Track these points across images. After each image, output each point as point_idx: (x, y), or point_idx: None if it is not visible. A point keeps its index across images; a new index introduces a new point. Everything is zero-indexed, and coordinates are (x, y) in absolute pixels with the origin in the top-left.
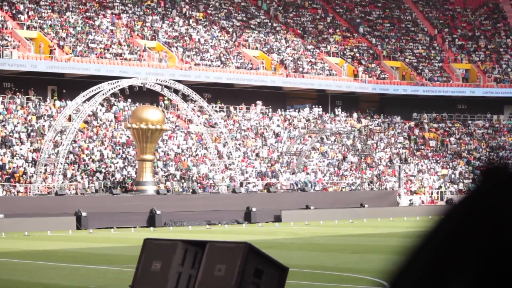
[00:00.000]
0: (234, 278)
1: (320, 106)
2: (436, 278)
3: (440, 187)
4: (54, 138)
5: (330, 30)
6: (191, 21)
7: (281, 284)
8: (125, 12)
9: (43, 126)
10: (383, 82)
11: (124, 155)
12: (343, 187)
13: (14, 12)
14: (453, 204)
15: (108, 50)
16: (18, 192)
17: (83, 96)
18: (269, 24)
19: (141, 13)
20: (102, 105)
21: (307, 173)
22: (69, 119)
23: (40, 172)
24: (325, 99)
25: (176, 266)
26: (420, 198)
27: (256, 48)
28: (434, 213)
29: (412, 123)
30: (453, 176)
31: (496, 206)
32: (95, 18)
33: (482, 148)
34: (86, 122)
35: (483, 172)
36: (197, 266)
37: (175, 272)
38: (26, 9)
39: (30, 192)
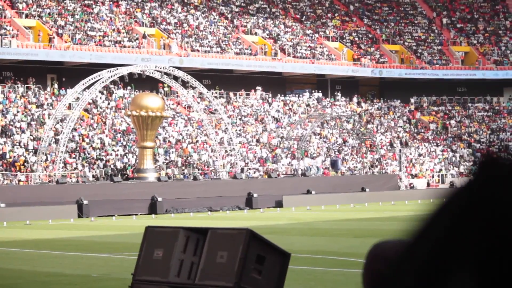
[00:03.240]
0: (236, 264)
1: (320, 91)
2: (437, 269)
3: (441, 170)
4: (54, 127)
5: (329, 15)
6: (189, 7)
7: (284, 270)
8: None
9: (43, 114)
10: (382, 66)
11: (124, 143)
12: (343, 172)
13: (12, 0)
14: (451, 195)
15: (107, 37)
16: (19, 181)
17: (83, 84)
18: (268, 9)
19: (140, 0)
20: (102, 93)
21: (313, 157)
22: (69, 107)
23: (41, 161)
24: (324, 84)
25: (178, 253)
26: (427, 181)
27: (255, 33)
28: (435, 197)
29: (412, 107)
30: (453, 159)
31: (495, 197)
32: (94, 6)
33: (483, 130)
34: (86, 110)
35: (480, 164)
36: (199, 253)
37: (177, 259)
38: None
39: (31, 181)
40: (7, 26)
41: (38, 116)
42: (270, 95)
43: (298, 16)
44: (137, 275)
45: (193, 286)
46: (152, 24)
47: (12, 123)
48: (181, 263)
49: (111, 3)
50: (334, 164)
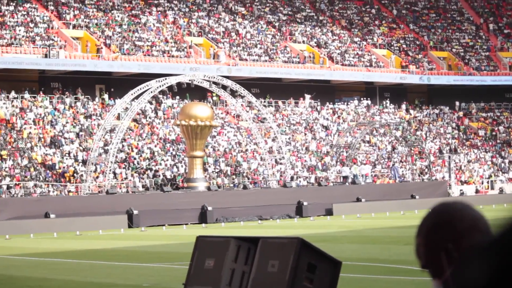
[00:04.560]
0: (288, 273)
1: (369, 98)
2: None
3: (490, 176)
4: (103, 137)
5: (376, 22)
6: (237, 16)
7: (335, 278)
8: (170, 9)
9: (92, 125)
10: (430, 73)
11: (174, 152)
12: (391, 178)
13: (60, 11)
14: None
15: (155, 47)
16: (69, 191)
17: (131, 94)
18: (315, 17)
19: (187, 9)
20: (151, 103)
21: (363, 164)
22: (118, 117)
23: (91, 171)
24: (373, 91)
25: (229, 262)
26: (476, 188)
27: (303, 41)
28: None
29: (461, 113)
30: (503, 165)
31: None
32: (141, 16)
33: None
34: (135, 120)
35: None
36: (250, 262)
37: (228, 269)
38: (72, 9)
39: (80, 191)
40: (54, 37)
41: (87, 127)
42: (319, 103)
43: (345, 24)
44: (189, 285)
45: None
46: (200, 34)
47: (61, 133)
48: (232, 273)
49: (159, 13)
50: (393, 171)
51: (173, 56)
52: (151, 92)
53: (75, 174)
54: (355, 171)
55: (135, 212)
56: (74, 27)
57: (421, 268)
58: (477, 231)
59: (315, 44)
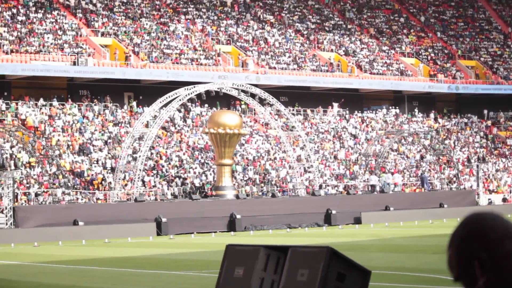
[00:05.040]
0: (317, 282)
1: (397, 107)
2: None
3: None
4: (132, 145)
5: (405, 31)
6: (265, 24)
7: (364, 287)
8: (199, 17)
9: (121, 132)
10: (458, 82)
11: (202, 160)
12: (419, 187)
13: (88, 19)
14: None
15: (183, 55)
16: (98, 199)
17: (160, 102)
18: (344, 25)
19: (215, 17)
20: (179, 111)
21: (390, 172)
22: (147, 125)
23: (119, 179)
24: (401, 100)
25: (258, 271)
26: (503, 197)
27: (331, 50)
28: None
29: (489, 122)
30: None
31: None
32: (170, 24)
33: None
34: (163, 128)
35: None
36: (280, 271)
37: (257, 277)
38: (100, 16)
39: (109, 199)
40: (83, 44)
41: (116, 134)
42: (347, 112)
43: (374, 32)
44: None
45: None
46: (228, 42)
47: (89, 141)
48: (262, 282)
49: (188, 21)
50: (422, 180)
51: (201, 64)
52: (180, 100)
53: (103, 182)
54: (388, 179)
55: (164, 220)
56: (102, 34)
57: (454, 280)
58: (509, 240)
59: (343, 53)
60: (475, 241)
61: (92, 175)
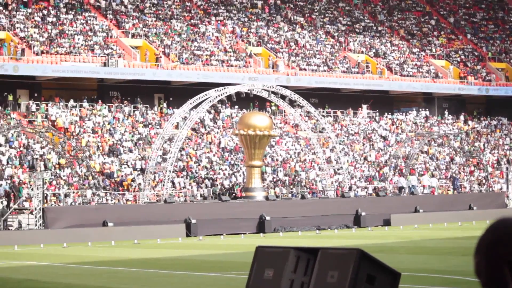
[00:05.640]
0: (347, 284)
1: (427, 109)
2: None
3: None
4: (162, 146)
5: (435, 33)
6: (296, 26)
7: None
8: (230, 18)
9: (151, 134)
10: (489, 84)
11: (232, 162)
12: (451, 189)
13: (119, 20)
14: None
15: (214, 57)
16: (127, 200)
17: (190, 103)
18: (374, 27)
19: (246, 19)
20: (209, 112)
21: (421, 174)
22: (177, 126)
23: (149, 180)
24: (431, 102)
25: (288, 273)
26: None
27: (362, 52)
28: None
29: None
30: None
31: None
32: (200, 26)
33: None
34: (193, 129)
35: None
36: (310, 273)
37: (287, 279)
38: (131, 18)
39: (139, 200)
40: (113, 45)
41: (146, 136)
42: (377, 113)
43: (404, 34)
44: None
45: None
46: (259, 43)
47: (119, 142)
48: (292, 283)
49: (218, 22)
50: (454, 182)
51: (232, 66)
52: (210, 101)
53: (133, 183)
54: (414, 181)
55: (193, 221)
56: (133, 36)
57: (483, 286)
58: None
59: (374, 55)
60: (504, 246)
61: (122, 176)
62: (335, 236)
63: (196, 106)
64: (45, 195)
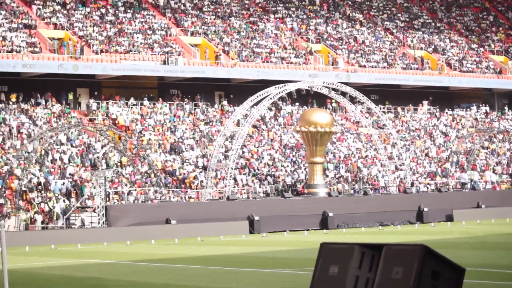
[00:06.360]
0: (412, 280)
1: (487, 105)
2: None
3: None
4: (223, 143)
5: (493, 29)
6: (355, 23)
7: (459, 285)
8: (288, 16)
9: (212, 131)
10: None
11: (294, 159)
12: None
13: (178, 19)
14: None
15: (273, 54)
16: (190, 198)
17: (251, 101)
18: (433, 24)
19: (305, 16)
20: (270, 109)
21: (482, 169)
22: (238, 124)
23: (211, 177)
24: (491, 98)
25: (353, 269)
26: None
27: (421, 48)
28: None
29: None
30: None
31: None
32: (259, 23)
33: None
34: (254, 126)
35: None
36: (374, 269)
37: (352, 275)
38: (190, 16)
39: (201, 197)
40: (173, 44)
41: (207, 133)
42: (438, 109)
43: (463, 30)
44: None
45: None
46: (318, 40)
47: (181, 140)
48: (357, 279)
49: (277, 20)
50: None
51: (291, 63)
52: (270, 98)
53: (195, 180)
54: (474, 176)
55: (256, 218)
56: (192, 34)
57: None
58: None
59: (433, 51)
60: None
61: (184, 173)
62: (398, 232)
63: (256, 104)
64: (108, 193)
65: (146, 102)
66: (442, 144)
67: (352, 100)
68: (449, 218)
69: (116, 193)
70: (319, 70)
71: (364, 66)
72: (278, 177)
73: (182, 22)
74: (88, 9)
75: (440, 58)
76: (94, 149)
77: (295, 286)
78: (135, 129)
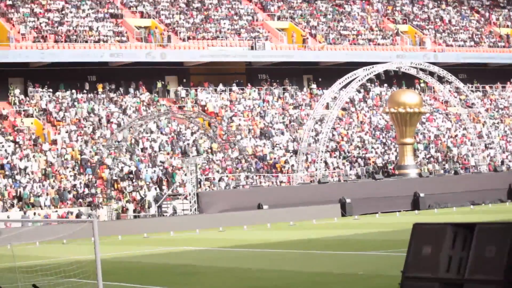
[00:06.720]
0: (505, 258)
1: None
2: None
3: None
4: (313, 127)
5: None
6: (440, 2)
7: None
8: None
9: (301, 115)
10: None
11: (384, 140)
12: None
13: (264, 4)
14: None
15: (360, 36)
16: (281, 182)
17: (339, 83)
18: None
19: None
20: (359, 91)
21: None
22: (327, 107)
23: (302, 161)
24: None
25: (446, 249)
26: None
27: (507, 26)
28: None
29: None
30: None
31: None
32: (345, 5)
33: None
34: (344, 109)
35: None
36: (467, 248)
37: (446, 255)
38: (276, 0)
39: (292, 181)
40: (260, 29)
41: (296, 117)
42: None
43: None
44: (407, 272)
45: (463, 281)
46: (404, 21)
47: (270, 124)
48: (450, 259)
49: (363, 1)
50: None
51: (379, 44)
52: (359, 80)
53: (286, 165)
54: None
55: (348, 200)
56: (278, 18)
57: None
58: None
59: None
60: None
61: (275, 158)
62: (489, 210)
63: (345, 86)
64: (199, 180)
65: (234, 87)
66: None
67: (440, 79)
68: None
69: (207, 179)
70: (406, 50)
71: (451, 45)
72: (369, 159)
73: (269, 7)
74: None
75: None
76: (184, 136)
77: (388, 267)
78: (225, 115)
